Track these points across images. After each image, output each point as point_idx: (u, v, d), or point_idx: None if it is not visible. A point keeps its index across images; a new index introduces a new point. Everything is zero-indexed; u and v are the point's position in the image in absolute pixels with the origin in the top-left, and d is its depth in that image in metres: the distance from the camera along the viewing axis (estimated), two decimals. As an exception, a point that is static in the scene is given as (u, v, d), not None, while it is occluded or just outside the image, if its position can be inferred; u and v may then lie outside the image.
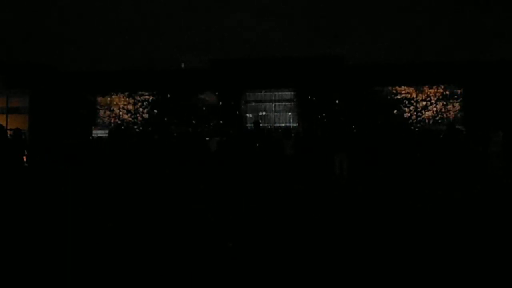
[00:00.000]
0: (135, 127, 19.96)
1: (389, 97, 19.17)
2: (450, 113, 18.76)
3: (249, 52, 16.31)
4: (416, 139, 9.95)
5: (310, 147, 9.99)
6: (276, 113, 19.93)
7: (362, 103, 18.84)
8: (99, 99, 20.70)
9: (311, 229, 4.83)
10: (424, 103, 18.98)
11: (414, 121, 18.72)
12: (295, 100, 19.85)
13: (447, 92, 18.83)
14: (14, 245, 4.29)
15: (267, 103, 20.11)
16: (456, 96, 18.77)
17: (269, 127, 18.49)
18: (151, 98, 20.43)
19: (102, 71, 19.93)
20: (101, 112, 20.69)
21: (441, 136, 10.31)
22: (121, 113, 20.59)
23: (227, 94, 19.67)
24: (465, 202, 6.59)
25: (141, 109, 20.57)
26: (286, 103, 20.04)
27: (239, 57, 20.18)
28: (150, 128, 19.15)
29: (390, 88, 19.11)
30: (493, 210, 5.93)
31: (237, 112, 19.75)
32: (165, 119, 19.77)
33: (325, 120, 18.79)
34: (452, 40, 13.57)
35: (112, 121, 20.47)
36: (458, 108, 18.73)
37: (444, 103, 18.82)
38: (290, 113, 19.82)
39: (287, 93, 19.95)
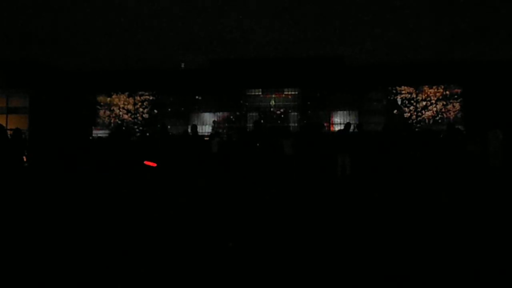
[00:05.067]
0: (135, 127, 19.96)
1: (389, 97, 19.17)
2: (450, 113, 18.75)
3: (249, 52, 16.28)
4: (416, 139, 9.95)
5: (311, 147, 9.98)
6: (276, 113, 19.93)
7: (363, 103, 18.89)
8: (99, 99, 20.69)
9: (312, 229, 4.83)
10: (424, 103, 18.98)
11: (414, 121, 18.71)
12: (296, 100, 19.86)
13: (447, 92, 18.82)
14: (14, 245, 4.29)
15: (268, 103, 20.12)
16: (456, 96, 18.76)
17: (270, 126, 18.52)
18: (151, 98, 20.44)
19: (102, 71, 19.91)
20: (101, 112, 20.69)
21: (441, 136, 10.31)
22: (121, 113, 20.59)
23: (227, 94, 19.69)
24: (465, 202, 6.60)
25: (141, 109, 20.57)
26: (287, 103, 20.05)
27: (239, 57, 20.17)
28: (150, 127, 19.17)
29: (390, 88, 19.11)
30: (493, 210, 5.93)
31: (237, 112, 19.76)
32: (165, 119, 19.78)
33: (328, 120, 18.82)
34: (452, 40, 13.54)
35: (112, 121, 20.47)
36: (458, 108, 18.72)
37: (444, 103, 18.82)
38: (292, 113, 19.82)
39: (288, 92, 19.96)
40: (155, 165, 9.08)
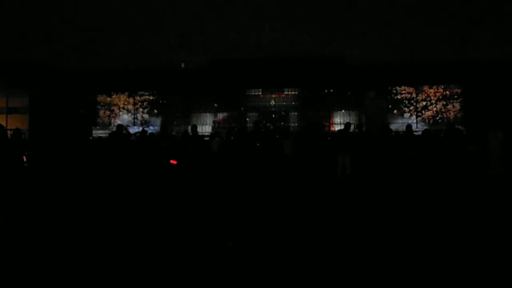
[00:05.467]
0: (136, 126, 19.98)
1: (388, 97, 19.17)
2: (450, 113, 18.75)
3: (248, 52, 16.28)
4: (416, 139, 9.94)
5: (311, 147, 9.97)
6: (276, 113, 19.92)
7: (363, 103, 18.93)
8: (99, 99, 20.69)
9: (311, 229, 4.83)
10: (424, 103, 18.97)
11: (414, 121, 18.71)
12: (296, 100, 19.86)
13: (447, 92, 18.82)
14: (14, 245, 4.29)
15: (268, 103, 20.11)
16: (456, 96, 18.75)
17: (270, 126, 18.51)
18: (151, 98, 20.44)
19: (102, 71, 19.90)
20: (101, 112, 20.69)
21: (441, 136, 10.30)
22: (121, 113, 20.59)
23: (227, 94, 19.69)
24: (465, 202, 6.59)
25: (141, 109, 20.58)
26: (287, 103, 20.04)
27: (238, 57, 20.16)
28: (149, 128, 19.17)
29: (390, 88, 19.10)
30: (493, 211, 5.93)
31: (237, 113, 19.76)
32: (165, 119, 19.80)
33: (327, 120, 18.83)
34: (452, 40, 13.55)
35: (112, 121, 20.47)
36: (458, 108, 18.71)
37: (444, 103, 18.81)
38: (292, 113, 19.82)
39: (288, 92, 19.96)
40: (175, 162, 9.16)
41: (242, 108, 19.73)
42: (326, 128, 15.98)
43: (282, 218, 5.45)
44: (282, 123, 19.29)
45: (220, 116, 19.97)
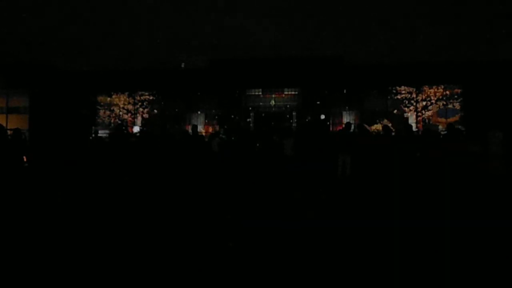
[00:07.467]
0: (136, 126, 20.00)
1: (389, 97, 19.17)
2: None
3: (248, 52, 16.28)
4: (416, 139, 9.93)
5: (311, 147, 9.96)
6: (276, 113, 19.92)
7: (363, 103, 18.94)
8: (99, 98, 20.69)
9: (310, 229, 4.84)
10: (424, 103, 18.96)
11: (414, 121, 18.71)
12: (296, 100, 19.87)
13: (447, 92, 18.81)
14: (14, 244, 4.29)
15: (268, 103, 20.11)
16: (456, 96, 18.75)
17: (270, 126, 18.50)
18: (151, 98, 20.44)
19: (102, 71, 19.92)
20: (101, 112, 20.68)
21: (441, 136, 10.30)
22: (121, 113, 20.59)
23: (227, 94, 19.71)
24: (465, 202, 6.59)
25: (141, 109, 20.58)
26: (287, 103, 20.04)
27: (239, 57, 20.18)
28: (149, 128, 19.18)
29: (390, 88, 19.10)
30: (493, 211, 5.93)
31: (237, 112, 19.77)
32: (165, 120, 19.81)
33: (326, 120, 18.83)
34: (452, 40, 13.57)
35: (112, 121, 20.46)
36: (458, 108, 18.72)
37: (444, 103, 18.80)
38: (292, 113, 19.83)
39: (288, 92, 19.97)
40: None
41: (242, 102, 19.70)
42: (328, 123, 15.92)
43: (281, 218, 5.45)
44: (287, 120, 19.30)
45: (220, 116, 19.93)
